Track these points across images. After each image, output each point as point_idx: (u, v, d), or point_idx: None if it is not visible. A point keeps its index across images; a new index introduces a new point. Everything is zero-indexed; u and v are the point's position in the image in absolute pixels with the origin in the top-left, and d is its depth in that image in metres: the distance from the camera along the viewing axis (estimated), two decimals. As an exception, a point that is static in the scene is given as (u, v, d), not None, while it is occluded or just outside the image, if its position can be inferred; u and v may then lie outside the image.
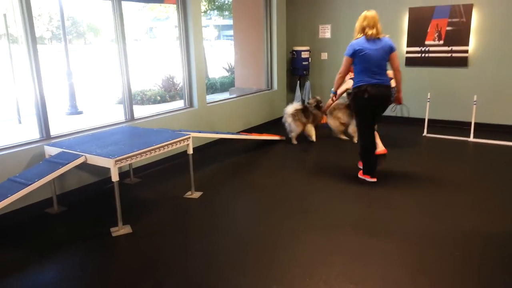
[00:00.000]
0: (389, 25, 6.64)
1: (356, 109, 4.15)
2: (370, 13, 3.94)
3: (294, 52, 7.28)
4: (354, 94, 4.02)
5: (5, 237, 3.23)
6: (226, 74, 13.88)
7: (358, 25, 3.97)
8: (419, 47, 6.50)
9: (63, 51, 9.53)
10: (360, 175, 4.27)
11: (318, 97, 5.95)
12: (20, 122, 8.24)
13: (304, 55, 7.24)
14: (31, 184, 2.99)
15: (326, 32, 7.20)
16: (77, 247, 3.08)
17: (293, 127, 5.62)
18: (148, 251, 2.98)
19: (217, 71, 14.49)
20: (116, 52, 4.54)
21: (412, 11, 6.45)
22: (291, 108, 5.65)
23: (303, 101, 6.91)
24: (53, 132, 3.93)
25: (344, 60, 4.00)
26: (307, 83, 7.44)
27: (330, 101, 4.98)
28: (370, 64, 3.88)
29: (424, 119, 6.16)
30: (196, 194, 3.97)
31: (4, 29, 9.12)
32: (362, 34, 3.92)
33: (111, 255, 2.97)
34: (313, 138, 5.74)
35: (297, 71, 7.36)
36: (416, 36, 6.49)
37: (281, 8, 7.05)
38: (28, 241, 3.18)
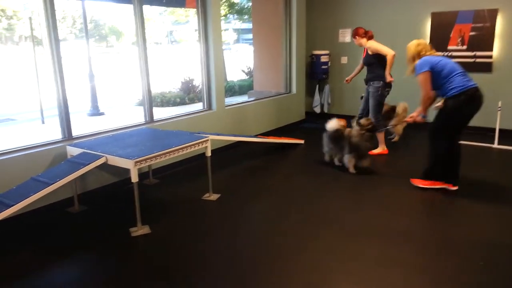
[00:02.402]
0: (411, 29, 6.55)
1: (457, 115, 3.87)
2: (422, 40, 4.04)
3: (313, 56, 7.25)
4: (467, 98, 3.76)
5: (27, 236, 3.30)
6: (245, 77, 13.93)
7: (413, 51, 3.95)
8: (442, 52, 6.37)
9: (86, 54, 9.72)
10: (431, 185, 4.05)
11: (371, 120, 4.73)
12: (43, 123, 8.43)
13: (324, 59, 7.20)
14: (53, 183, 3.04)
15: (346, 36, 7.15)
16: (97, 246, 3.12)
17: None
18: (166, 252, 2.99)
19: (236, 74, 14.55)
20: (136, 54, 4.60)
21: (435, 16, 6.34)
22: (334, 123, 4.77)
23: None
24: (75, 133, 4.00)
25: (421, 78, 3.83)
26: (326, 87, 7.39)
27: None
28: (455, 66, 3.81)
29: (445, 125, 6.03)
30: (214, 196, 3.98)
31: (29, 32, 9.35)
32: (419, 58, 3.91)
33: (130, 255, 2.99)
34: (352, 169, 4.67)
35: (316, 75, 7.32)
36: (438, 41, 6.37)
37: (301, 12, 7.04)
38: (49, 240, 3.24)
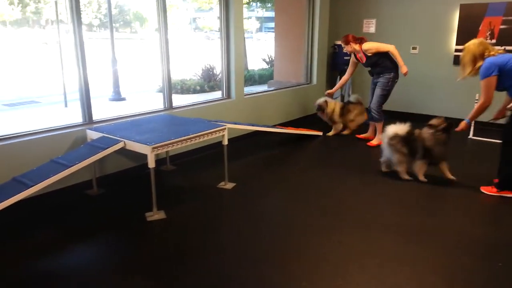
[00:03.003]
0: (438, 22, 6.36)
1: None
2: (482, 39, 3.75)
3: (336, 46, 7.13)
4: None
5: (48, 216, 3.39)
6: (266, 66, 13.84)
7: (475, 51, 3.61)
8: (469, 45, 6.17)
9: (109, 39, 9.83)
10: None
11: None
12: (66, 106, 8.60)
13: (346, 49, 7.06)
14: (72, 166, 3.10)
15: (370, 26, 7.00)
16: (113, 229, 3.17)
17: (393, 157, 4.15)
18: (180, 238, 3.03)
19: (256, 63, 14.48)
20: (158, 41, 4.61)
21: (464, 8, 6.13)
22: (395, 129, 4.14)
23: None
24: (96, 117, 4.06)
25: (487, 82, 3.52)
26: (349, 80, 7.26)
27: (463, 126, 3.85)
28: None
29: (470, 121, 5.86)
30: (229, 185, 3.99)
31: (55, 16, 9.49)
32: (482, 59, 3.59)
33: (145, 239, 3.04)
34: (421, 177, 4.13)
35: (338, 66, 7.20)
36: (466, 34, 6.16)
37: (325, 1, 6.91)
38: (69, 220, 3.31)
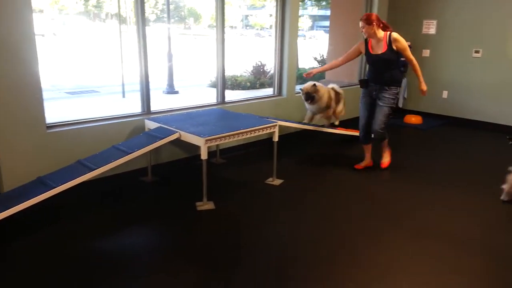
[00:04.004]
0: (504, 24, 6.01)
1: None
2: None
3: (391, 47, 6.92)
4: None
5: (104, 199, 3.60)
6: (317, 65, 13.71)
7: None
8: (539, 50, 5.79)
9: (166, 34, 10.17)
10: None
11: None
12: (124, 97, 9.01)
13: (403, 51, 6.83)
14: (131, 153, 3.27)
15: (431, 27, 6.74)
16: (165, 215, 3.32)
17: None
18: (228, 230, 3.11)
19: (307, 62, 14.38)
20: (214, 37, 4.72)
21: (535, 9, 5.76)
22: None
23: None
24: (152, 108, 4.24)
25: None
26: (404, 81, 7.04)
27: None
28: None
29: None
30: (277, 181, 4.02)
31: (116, 10, 9.95)
32: None
33: (195, 228, 3.15)
34: None
35: (393, 66, 6.98)
36: (536, 38, 5.80)
37: (383, 0, 6.74)
38: (124, 205, 3.50)
